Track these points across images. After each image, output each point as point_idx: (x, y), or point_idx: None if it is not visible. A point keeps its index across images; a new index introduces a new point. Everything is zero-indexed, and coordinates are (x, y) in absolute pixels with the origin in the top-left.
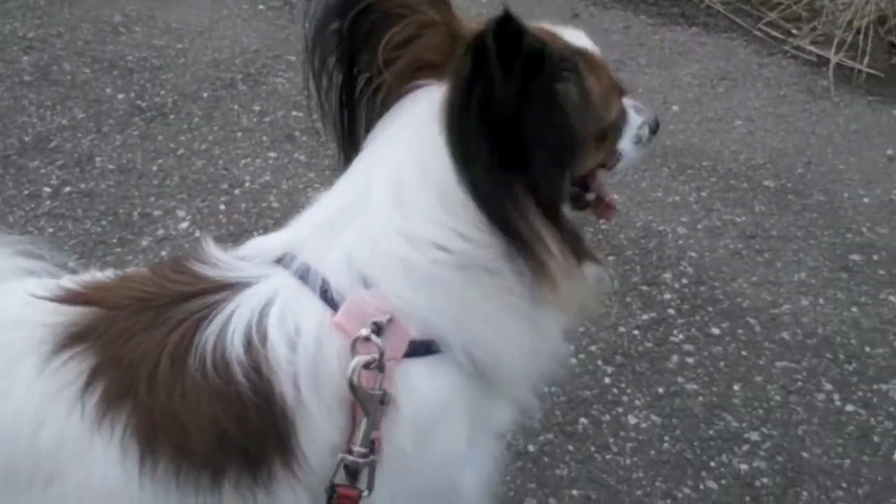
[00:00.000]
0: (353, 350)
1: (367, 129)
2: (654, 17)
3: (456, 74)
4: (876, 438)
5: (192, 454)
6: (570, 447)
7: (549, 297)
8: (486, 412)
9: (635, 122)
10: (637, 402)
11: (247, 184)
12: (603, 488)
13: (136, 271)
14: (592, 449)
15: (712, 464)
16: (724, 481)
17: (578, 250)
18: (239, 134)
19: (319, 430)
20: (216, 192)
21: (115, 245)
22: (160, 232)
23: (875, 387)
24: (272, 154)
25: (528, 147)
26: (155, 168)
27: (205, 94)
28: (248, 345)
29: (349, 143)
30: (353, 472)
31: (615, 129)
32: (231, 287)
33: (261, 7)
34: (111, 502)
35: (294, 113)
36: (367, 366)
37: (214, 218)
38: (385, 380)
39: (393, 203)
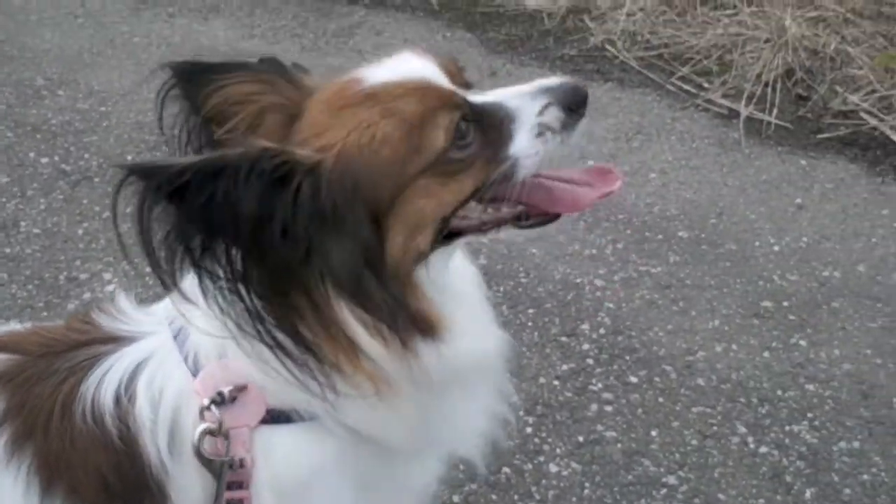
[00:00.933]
0: (201, 417)
1: None
2: (569, 73)
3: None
4: (788, 478)
5: (82, 497)
6: (494, 496)
7: (359, 385)
8: (393, 472)
9: (530, 110)
10: (558, 451)
11: None
12: None
13: (52, 324)
14: (515, 497)
15: None
16: None
17: (399, 326)
18: None
19: (187, 487)
20: (142, 254)
21: (41, 309)
22: (87, 295)
23: (787, 428)
24: None
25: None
26: (80, 231)
27: (129, 157)
28: (118, 400)
29: None
30: None
31: (461, 150)
32: (118, 340)
33: None
34: None
35: None
36: (212, 432)
37: (141, 280)
38: (235, 445)
39: None
